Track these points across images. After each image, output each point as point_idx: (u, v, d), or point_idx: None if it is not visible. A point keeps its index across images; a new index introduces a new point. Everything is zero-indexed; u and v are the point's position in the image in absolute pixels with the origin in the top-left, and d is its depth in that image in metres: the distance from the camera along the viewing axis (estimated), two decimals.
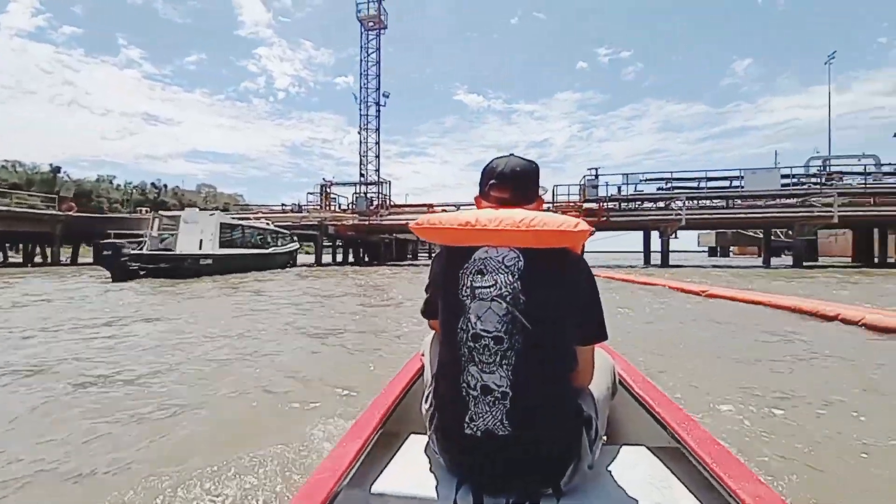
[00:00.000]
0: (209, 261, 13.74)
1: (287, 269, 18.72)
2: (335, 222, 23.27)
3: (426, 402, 0.99)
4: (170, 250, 13.51)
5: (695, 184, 21.46)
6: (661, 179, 21.63)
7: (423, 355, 1.20)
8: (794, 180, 20.20)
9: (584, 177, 21.08)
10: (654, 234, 22.06)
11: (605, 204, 20.93)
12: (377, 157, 31.69)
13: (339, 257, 29.47)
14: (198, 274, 12.61)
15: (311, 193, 25.18)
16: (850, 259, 25.72)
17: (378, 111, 31.22)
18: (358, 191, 26.93)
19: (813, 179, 20.64)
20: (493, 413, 0.83)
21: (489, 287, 0.86)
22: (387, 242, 31.00)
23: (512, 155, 1.00)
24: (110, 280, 11.52)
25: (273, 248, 18.47)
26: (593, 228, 0.89)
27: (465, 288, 0.88)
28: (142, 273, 11.96)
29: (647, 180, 21.51)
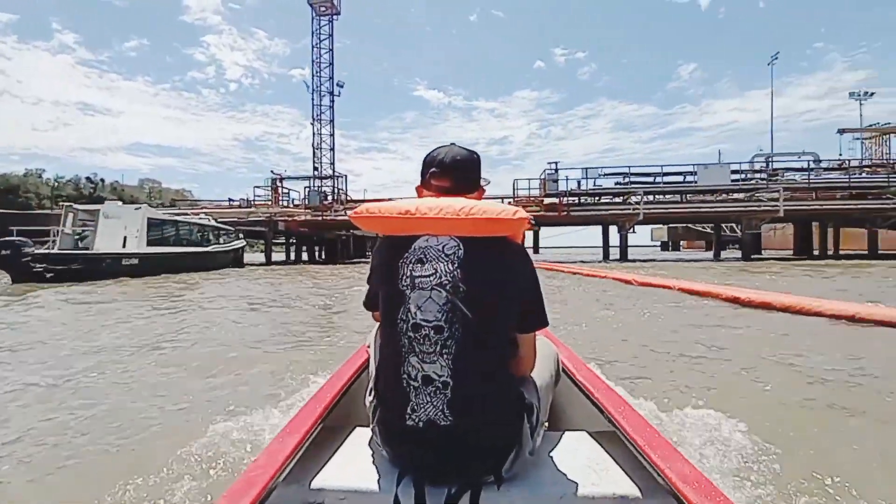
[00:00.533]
0: (134, 260, 12.21)
1: (231, 268, 17.26)
2: (285, 218, 21.80)
3: (370, 394, 0.96)
4: (87, 249, 11.88)
5: (651, 179, 21.72)
6: (619, 174, 21.75)
7: (368, 347, 1.16)
8: (743, 176, 20.82)
9: (545, 171, 20.83)
10: (613, 229, 22.22)
11: (565, 198, 20.75)
12: (332, 149, 30.25)
13: (294, 255, 27.83)
14: (118, 275, 11.09)
15: (257, 187, 23.49)
16: (791, 252, 27.04)
17: (332, 101, 29.79)
18: (311, 185, 25.48)
19: (759, 175, 21.37)
20: (435, 403, 0.83)
21: (429, 276, 0.85)
22: (344, 239, 29.67)
23: (453, 144, 1.00)
24: (10, 283, 9.89)
25: (214, 247, 16.92)
26: (532, 217, 0.88)
27: (404, 277, 0.86)
28: (48, 275, 10.34)
29: (605, 175, 21.56)
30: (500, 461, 0.85)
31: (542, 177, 20.90)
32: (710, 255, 29.14)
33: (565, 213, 20.31)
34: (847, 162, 22.57)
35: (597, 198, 22.23)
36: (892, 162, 22.85)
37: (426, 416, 0.83)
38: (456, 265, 0.84)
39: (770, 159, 23.09)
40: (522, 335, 0.92)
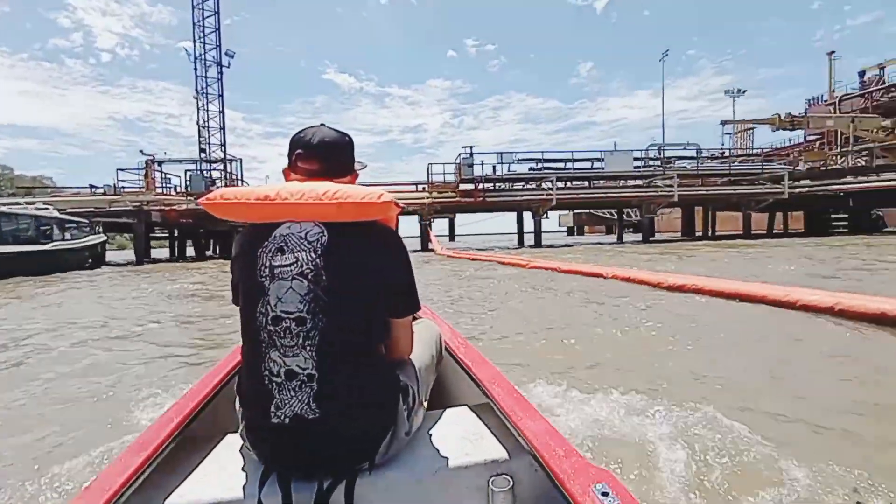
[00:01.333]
0: None
1: (87, 269, 13.97)
2: (160, 207, 18.42)
3: (237, 396, 0.91)
4: None
5: (562, 165, 21.98)
6: (533, 160, 21.70)
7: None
8: (643, 163, 21.93)
9: (460, 155, 20.00)
10: (527, 215, 22.25)
11: (480, 184, 20.14)
12: (222, 129, 26.54)
13: (177, 251, 23.99)
14: None
15: (121, 170, 19.35)
16: (679, 234, 29.62)
17: (220, 73, 26.03)
18: (196, 168, 21.93)
19: (656, 163, 22.67)
20: (300, 398, 0.79)
21: (289, 265, 0.81)
22: (240, 230, 26.40)
23: (323, 125, 0.96)
24: None
25: (57, 244, 13.50)
26: (395, 199, 0.85)
27: (263, 268, 0.82)
28: None
29: (519, 160, 21.34)
30: (374, 447, 0.83)
31: (458, 161, 20.08)
32: (613, 238, 30.93)
33: (481, 198, 19.74)
34: (729, 151, 24.93)
35: (511, 184, 22.02)
36: (765, 151, 25.77)
37: (292, 411, 0.79)
38: (319, 253, 0.82)
39: (662, 149, 24.72)
40: (396, 320, 0.92)
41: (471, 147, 20.17)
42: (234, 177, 23.79)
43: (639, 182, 22.49)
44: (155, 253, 26.82)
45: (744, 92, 36.04)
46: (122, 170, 19.19)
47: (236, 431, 0.93)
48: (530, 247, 20.59)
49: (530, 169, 21.59)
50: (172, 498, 0.78)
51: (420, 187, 22.31)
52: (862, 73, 31.33)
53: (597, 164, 21.86)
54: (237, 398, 0.90)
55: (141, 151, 19.35)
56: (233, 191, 0.85)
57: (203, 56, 25.50)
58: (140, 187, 19.34)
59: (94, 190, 21.80)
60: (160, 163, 23.23)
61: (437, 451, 0.89)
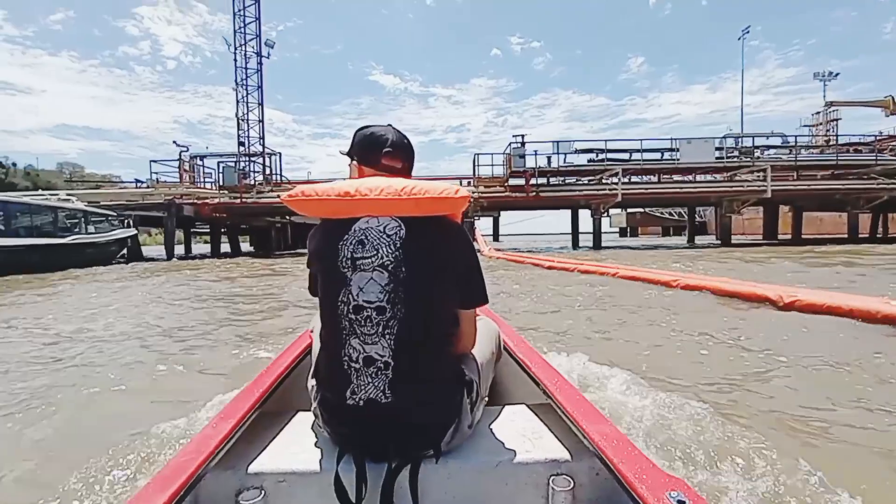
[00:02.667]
0: None
1: (118, 263, 13.10)
2: (192, 201, 17.52)
3: (312, 377, 0.97)
4: None
5: (626, 155, 19.26)
6: (593, 150, 19.10)
7: (311, 332, 1.16)
8: (725, 154, 18.71)
9: (510, 145, 17.77)
10: (583, 213, 19.75)
11: (533, 177, 17.82)
12: (261, 121, 25.70)
13: (210, 247, 23.28)
14: None
15: (155, 161, 18.60)
16: (760, 237, 25.85)
17: (260, 63, 25.19)
18: (235, 161, 21.05)
19: (741, 154, 19.36)
20: (376, 384, 0.83)
21: (371, 257, 0.85)
22: (279, 227, 25.52)
23: (390, 125, 1.00)
24: None
25: (78, 237, 12.63)
26: (472, 195, 0.68)
27: (345, 260, 0.86)
28: None
29: (578, 151, 18.82)
30: (440, 436, 0.86)
31: (507, 152, 17.87)
32: (677, 240, 27.58)
33: (534, 193, 17.42)
34: (835, 139, 21.13)
35: (566, 177, 19.53)
36: (879, 138, 21.74)
37: (367, 395, 0.83)
38: (398, 246, 0.85)
39: (741, 139, 21.27)
40: (464, 312, 0.95)
41: (522, 136, 17.87)
42: (270, 171, 22.88)
43: (717, 176, 19.37)
44: (198, 248, 26.55)
45: (836, 75, 31.31)
46: (156, 161, 18.41)
47: (307, 409, 1.01)
48: (587, 249, 18.08)
49: (590, 161, 19.02)
50: (254, 466, 0.84)
51: (464, 182, 20.34)
52: None
53: (667, 156, 18.96)
54: (311, 379, 0.96)
55: (174, 142, 18.56)
56: (313, 188, 0.89)
57: (243, 45, 24.81)
58: (176, 181, 18.54)
59: (138, 184, 21.54)
60: (201, 157, 22.72)
61: (499, 445, 0.92)
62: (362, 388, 0.83)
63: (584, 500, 0.84)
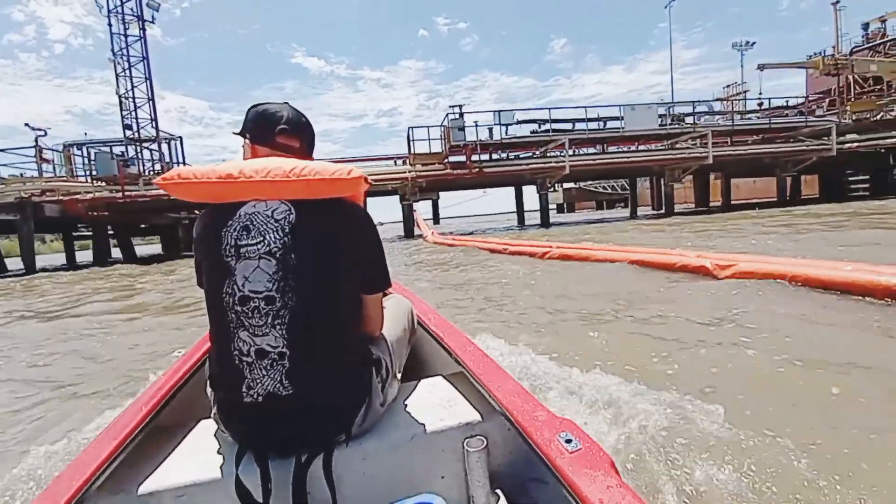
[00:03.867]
0: None
1: None
2: (56, 198, 13.88)
3: (208, 381, 0.89)
4: None
5: (569, 126, 18.14)
6: (536, 121, 17.75)
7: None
8: (667, 121, 18.13)
9: (447, 116, 15.86)
10: (528, 190, 18.51)
11: (475, 153, 16.10)
12: (150, 99, 21.63)
13: (107, 251, 19.19)
14: None
15: (1, 151, 14.40)
16: (693, 205, 26.31)
17: (143, 30, 21.03)
18: (115, 147, 17.16)
19: (678, 122, 18.95)
20: (272, 376, 0.79)
21: (256, 244, 0.80)
22: (186, 223, 21.82)
23: (286, 103, 0.95)
24: None
25: None
26: (366, 175, 0.83)
27: (228, 248, 0.80)
28: None
29: (521, 122, 17.35)
30: (350, 419, 0.84)
31: (445, 124, 15.95)
32: (621, 213, 27.49)
33: (477, 170, 15.74)
34: (767, 102, 21.41)
35: (508, 152, 18.09)
36: (808, 101, 22.41)
37: (264, 389, 0.78)
38: (287, 231, 0.80)
39: (671, 109, 20.93)
40: (368, 296, 0.92)
41: (460, 106, 16.07)
42: (163, 159, 19.21)
43: (657, 145, 18.89)
44: (83, 256, 22.00)
45: (753, 44, 32.73)
46: (2, 150, 14.27)
47: (209, 417, 0.91)
48: (536, 227, 16.86)
49: (533, 132, 17.66)
50: (146, 484, 0.78)
51: (399, 162, 18.22)
52: (866, 26, 28.64)
53: (611, 125, 18.10)
54: (208, 381, 0.89)
55: (27, 125, 14.56)
56: (191, 169, 0.82)
57: (120, 8, 20.46)
58: (29, 175, 14.54)
59: None
60: (80, 145, 18.48)
61: (413, 419, 0.91)
62: (258, 382, 0.79)
63: (497, 456, 0.88)
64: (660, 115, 17.73)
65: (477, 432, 0.88)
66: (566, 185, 50.13)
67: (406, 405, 0.97)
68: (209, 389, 0.88)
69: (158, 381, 1.08)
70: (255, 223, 0.80)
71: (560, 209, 59.45)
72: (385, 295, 1.07)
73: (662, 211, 19.75)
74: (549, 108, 17.16)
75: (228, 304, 0.80)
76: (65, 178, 15.27)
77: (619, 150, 18.48)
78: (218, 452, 0.85)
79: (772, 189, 19.32)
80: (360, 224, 0.87)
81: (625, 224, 14.44)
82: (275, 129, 0.91)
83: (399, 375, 1.04)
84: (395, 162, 18.58)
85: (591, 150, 18.45)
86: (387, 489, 0.85)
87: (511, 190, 22.78)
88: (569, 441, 0.71)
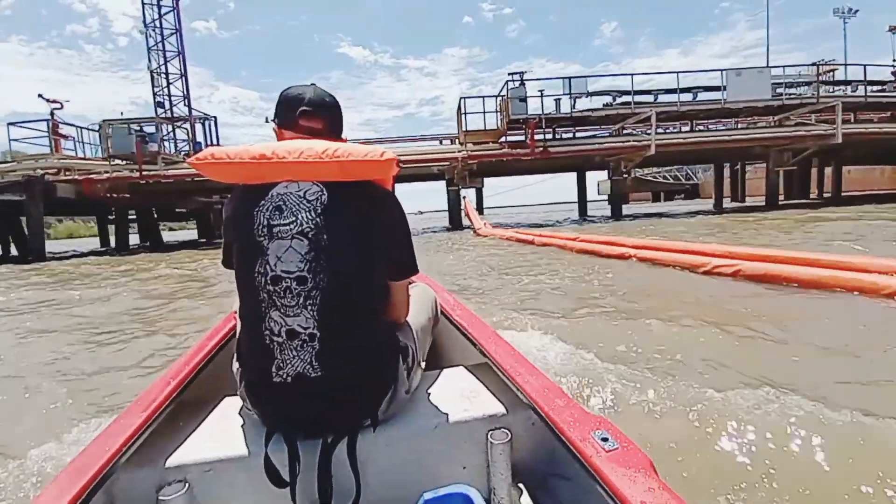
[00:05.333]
0: None
1: None
2: (68, 177, 12.54)
3: (237, 359, 0.90)
4: None
5: (651, 98, 15.03)
6: (610, 92, 14.76)
7: (236, 312, 0.98)
8: (786, 90, 14.50)
9: (506, 85, 13.21)
10: (592, 177, 15.62)
11: (539, 127, 13.39)
12: (183, 76, 20.34)
13: (115, 238, 18.04)
14: None
15: (12, 124, 13.11)
16: (782, 198, 22.19)
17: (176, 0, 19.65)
18: (155, 125, 15.81)
19: (798, 90, 15.33)
20: (302, 357, 0.79)
21: (289, 224, 0.79)
22: (218, 207, 20.53)
23: (314, 84, 0.93)
24: None
25: None
26: (398, 157, 0.82)
27: (261, 227, 0.80)
28: None
29: (591, 93, 14.43)
30: (376, 405, 0.83)
31: (504, 94, 13.32)
32: (696, 205, 23.86)
33: (540, 149, 13.06)
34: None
35: (574, 129, 15.26)
36: None
37: (294, 370, 0.79)
38: (319, 212, 0.80)
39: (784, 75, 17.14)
40: (394, 283, 0.91)
41: (521, 73, 13.36)
42: (193, 139, 17.78)
43: (763, 122, 15.40)
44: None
45: (856, 12, 27.63)
46: (15, 124, 13.02)
47: (234, 394, 0.93)
48: (601, 220, 14.03)
49: (606, 105, 14.70)
50: (174, 457, 0.78)
51: (444, 142, 15.81)
52: None
53: (703, 97, 14.82)
54: (235, 359, 0.90)
55: (40, 96, 13.27)
56: (224, 150, 0.81)
57: None
58: (40, 152, 13.27)
59: None
60: (110, 123, 17.37)
61: (436, 408, 0.91)
62: (288, 362, 0.79)
63: (520, 450, 0.87)
64: (773, 84, 14.19)
65: (501, 424, 0.87)
66: (619, 176, 45.84)
67: (429, 394, 0.97)
68: (235, 367, 0.89)
69: (184, 357, 1.09)
70: (287, 203, 0.80)
71: (610, 201, 54.85)
72: (410, 283, 1.04)
73: (741, 203, 16.27)
74: (631, 74, 13.94)
75: (260, 283, 0.79)
76: (82, 157, 13.93)
77: (706, 128, 15.18)
78: (244, 430, 0.86)
79: (876, 179, 15.44)
80: (389, 208, 0.87)
81: (717, 219, 11.38)
82: (296, 112, 0.89)
83: (423, 364, 1.04)
84: (441, 142, 16.20)
85: (669, 130, 15.26)
86: (409, 476, 0.85)
87: (565, 177, 19.90)
88: (605, 439, 0.69)
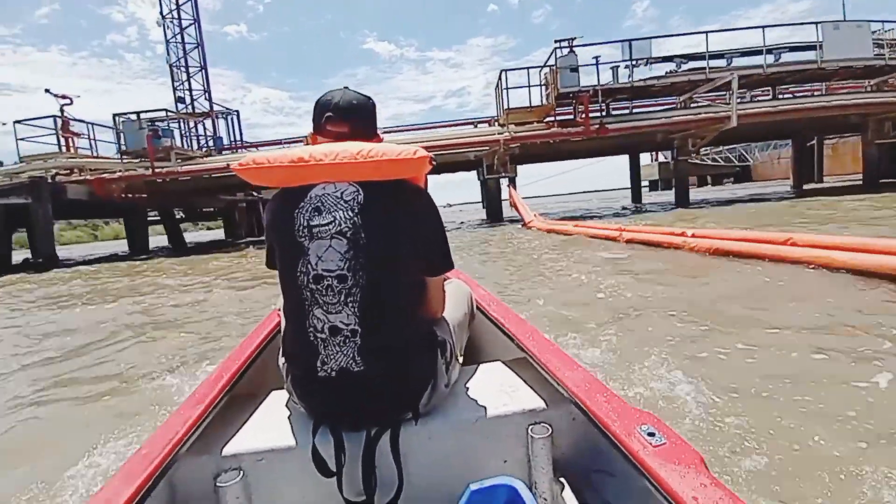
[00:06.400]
0: None
1: None
2: (77, 178, 11.66)
3: (282, 355, 0.94)
4: None
5: (724, 62, 12.85)
6: (674, 58, 12.65)
7: (279, 310, 1.14)
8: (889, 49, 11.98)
9: (553, 52, 11.34)
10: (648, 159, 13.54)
11: (594, 101, 11.50)
12: (202, 68, 19.42)
13: (145, 241, 17.23)
14: None
15: (19, 122, 12.18)
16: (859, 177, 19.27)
17: None
18: (179, 123, 14.88)
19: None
20: (345, 352, 0.81)
21: (328, 224, 0.82)
22: (243, 206, 19.63)
23: (346, 88, 0.96)
24: None
25: None
26: (432, 155, 0.84)
27: (301, 228, 0.83)
28: None
29: (651, 61, 12.38)
30: (417, 398, 0.85)
31: (552, 65, 11.46)
32: (768, 188, 21.21)
33: (597, 126, 11.19)
34: None
35: (633, 102, 13.28)
36: None
37: (338, 365, 0.81)
38: (356, 211, 0.82)
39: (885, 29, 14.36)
40: (430, 278, 0.92)
41: (570, 40, 11.47)
42: (212, 135, 16.82)
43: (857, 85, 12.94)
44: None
45: None
46: (21, 122, 12.16)
47: (281, 388, 0.96)
48: (667, 208, 12.05)
49: (669, 72, 12.63)
50: (229, 447, 0.81)
51: (479, 125, 14.12)
52: None
53: (787, 57, 12.53)
54: (281, 355, 0.93)
55: (47, 91, 12.39)
56: (264, 155, 0.84)
57: None
58: (49, 152, 12.38)
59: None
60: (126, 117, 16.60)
61: (476, 402, 0.91)
62: (332, 357, 0.81)
63: (562, 445, 0.86)
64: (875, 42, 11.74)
65: (541, 419, 0.86)
66: (661, 158, 42.29)
67: (468, 388, 0.97)
68: (281, 361, 0.92)
69: (234, 353, 1.13)
70: (325, 204, 0.82)
71: (654, 186, 51.32)
72: (445, 279, 1.08)
73: (818, 184, 13.80)
74: (706, 32, 11.73)
75: (303, 282, 0.82)
76: (95, 156, 13.06)
77: (792, 95, 12.84)
78: (292, 422, 0.88)
79: None
80: (423, 206, 0.88)
81: (814, 204, 9.26)
82: (322, 118, 0.92)
83: (461, 358, 1.05)
84: (476, 126, 14.52)
85: (745, 99, 12.99)
86: (451, 469, 0.86)
87: (606, 162, 17.85)
88: (651, 434, 0.68)
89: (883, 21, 12.85)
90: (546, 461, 0.83)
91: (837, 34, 11.14)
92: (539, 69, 11.84)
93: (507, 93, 11.44)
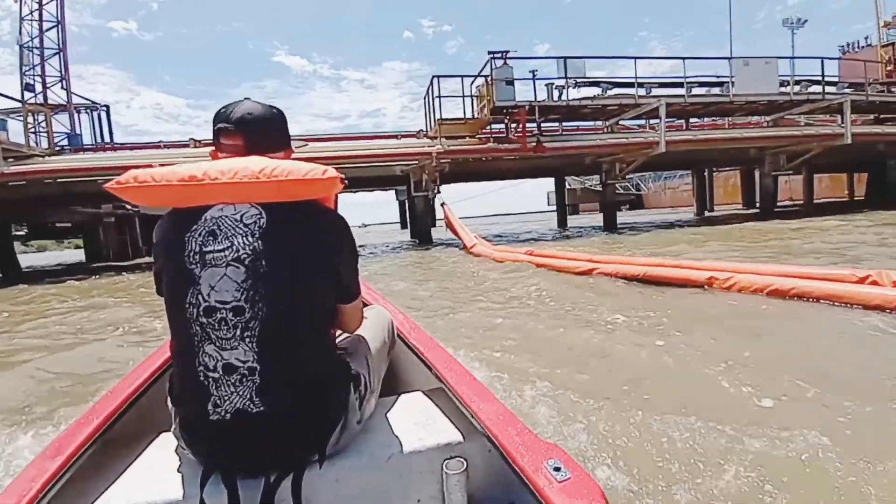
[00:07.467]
0: None
1: None
2: None
3: (169, 395, 0.83)
4: None
5: (644, 91, 13.13)
6: (599, 82, 12.59)
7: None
8: (794, 88, 12.91)
9: (489, 63, 10.50)
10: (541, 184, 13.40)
11: (531, 118, 10.83)
12: (60, 51, 15.79)
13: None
14: None
15: None
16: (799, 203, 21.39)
17: None
18: (29, 116, 11.20)
19: (804, 89, 13.90)
20: (241, 392, 0.73)
21: (223, 250, 0.74)
22: (111, 222, 15.94)
23: (247, 99, 0.89)
24: None
25: None
26: (342, 176, 0.78)
27: (192, 254, 0.75)
28: None
29: (578, 83, 12.15)
30: (324, 438, 0.79)
31: (487, 77, 10.60)
32: (675, 215, 22.70)
33: (533, 144, 10.51)
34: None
35: (562, 122, 13.01)
36: None
37: (233, 407, 0.73)
38: (257, 236, 0.75)
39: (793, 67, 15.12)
40: (344, 306, 0.88)
41: (504, 52, 10.78)
42: (71, 133, 13.49)
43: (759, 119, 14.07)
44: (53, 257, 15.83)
45: (805, 22, 28.45)
46: None
47: (169, 431, 0.86)
48: (595, 232, 11.81)
49: (595, 97, 12.53)
50: (100, 501, 0.73)
51: (421, 131, 12.88)
52: None
53: (696, 91, 13.16)
54: (169, 395, 0.83)
55: None
56: (149, 172, 0.75)
57: None
58: None
59: None
60: None
61: (390, 437, 0.88)
62: (226, 399, 0.73)
63: (476, 479, 0.85)
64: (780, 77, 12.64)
65: (457, 453, 0.84)
66: (571, 185, 44.54)
67: (383, 423, 0.93)
68: (170, 403, 0.82)
69: (113, 390, 1.01)
70: (222, 228, 0.75)
71: (602, 210, 53.39)
72: (364, 305, 1.03)
73: (710, 212, 14.93)
74: (635, 58, 11.84)
75: (192, 315, 0.74)
76: None
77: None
78: (179, 471, 0.80)
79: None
80: (333, 229, 0.82)
81: (732, 229, 9.48)
82: (216, 130, 0.85)
83: (377, 391, 0.99)
84: (399, 138, 13.25)
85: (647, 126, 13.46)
86: None
87: (528, 184, 17.74)
88: (557, 469, 0.69)
89: (791, 58, 13.89)
90: (461, 498, 0.81)
91: (746, 70, 11.85)
92: (472, 80, 10.95)
93: (440, 101, 10.34)
